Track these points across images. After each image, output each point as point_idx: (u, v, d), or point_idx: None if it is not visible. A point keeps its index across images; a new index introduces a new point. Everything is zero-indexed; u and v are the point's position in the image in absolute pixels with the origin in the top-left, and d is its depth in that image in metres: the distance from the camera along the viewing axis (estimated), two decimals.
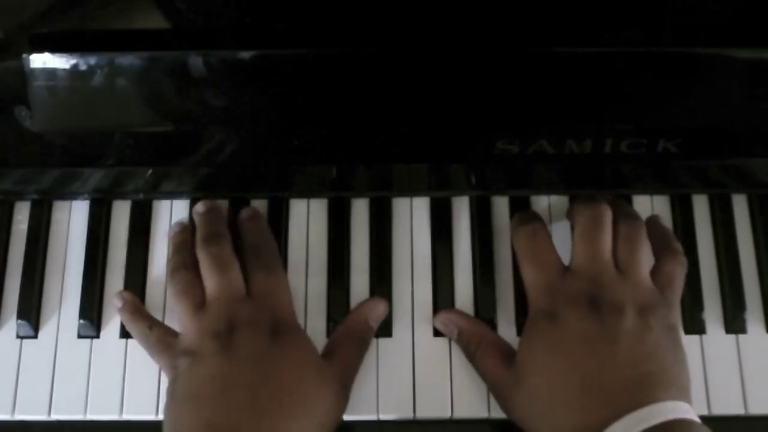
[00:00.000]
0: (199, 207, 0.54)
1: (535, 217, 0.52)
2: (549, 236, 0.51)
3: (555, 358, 0.46)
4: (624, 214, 0.51)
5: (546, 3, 0.45)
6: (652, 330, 0.46)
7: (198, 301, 0.49)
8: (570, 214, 0.54)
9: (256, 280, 0.50)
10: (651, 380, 0.44)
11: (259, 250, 0.52)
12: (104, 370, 0.53)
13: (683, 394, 0.45)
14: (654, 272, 0.50)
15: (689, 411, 0.44)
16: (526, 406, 0.47)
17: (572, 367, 0.46)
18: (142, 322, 0.51)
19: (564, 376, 0.45)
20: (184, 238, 0.53)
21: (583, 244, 0.49)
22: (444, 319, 0.52)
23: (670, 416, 0.43)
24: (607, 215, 0.50)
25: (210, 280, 0.49)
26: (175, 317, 0.51)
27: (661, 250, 0.51)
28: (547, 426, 0.46)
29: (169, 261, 0.53)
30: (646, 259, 0.50)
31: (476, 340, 0.51)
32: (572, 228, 0.54)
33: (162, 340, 0.50)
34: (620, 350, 0.45)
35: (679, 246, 0.52)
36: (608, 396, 0.44)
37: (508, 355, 0.50)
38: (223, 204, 0.55)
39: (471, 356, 0.51)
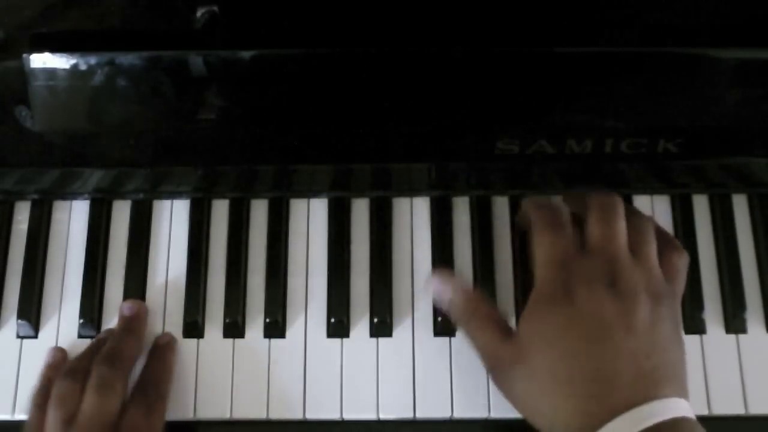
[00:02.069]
0: (125, 309, 0.53)
1: (556, 203, 0.51)
2: (569, 215, 0.50)
3: (566, 340, 0.45)
4: (632, 212, 0.51)
5: (546, 3, 0.45)
6: (663, 321, 0.45)
7: (69, 415, 0.48)
8: (567, 201, 0.53)
9: (130, 414, 0.49)
10: (660, 374, 0.44)
11: (149, 386, 0.51)
12: None
13: (685, 392, 0.45)
14: (661, 263, 0.49)
15: (689, 410, 0.44)
16: (525, 382, 0.46)
17: (584, 350, 0.44)
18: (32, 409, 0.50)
19: (574, 358, 0.44)
20: (103, 339, 0.53)
21: (599, 226, 0.48)
22: (438, 282, 0.51)
23: (677, 414, 0.42)
24: (620, 204, 0.49)
25: (87, 399, 0.48)
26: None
27: (664, 245, 0.50)
28: (547, 405, 0.45)
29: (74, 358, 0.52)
30: (656, 250, 0.49)
31: (472, 307, 0.49)
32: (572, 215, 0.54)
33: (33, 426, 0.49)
34: (634, 340, 0.44)
35: (679, 243, 0.51)
36: (617, 386, 0.43)
37: (504, 326, 0.48)
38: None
39: (465, 323, 0.49)
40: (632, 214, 0.50)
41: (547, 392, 0.45)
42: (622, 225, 0.48)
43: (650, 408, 0.42)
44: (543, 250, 0.48)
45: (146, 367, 0.52)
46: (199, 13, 0.45)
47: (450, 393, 0.52)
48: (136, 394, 0.50)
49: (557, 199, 0.53)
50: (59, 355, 0.53)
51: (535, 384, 0.45)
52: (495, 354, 0.48)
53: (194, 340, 0.53)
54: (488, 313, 0.49)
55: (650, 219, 0.51)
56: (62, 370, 0.51)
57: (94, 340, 0.53)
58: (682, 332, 0.48)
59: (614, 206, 0.49)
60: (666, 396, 0.43)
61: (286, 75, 0.45)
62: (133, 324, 0.53)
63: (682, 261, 0.50)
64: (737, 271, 0.54)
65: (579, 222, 0.50)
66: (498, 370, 0.48)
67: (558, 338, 0.45)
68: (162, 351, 0.53)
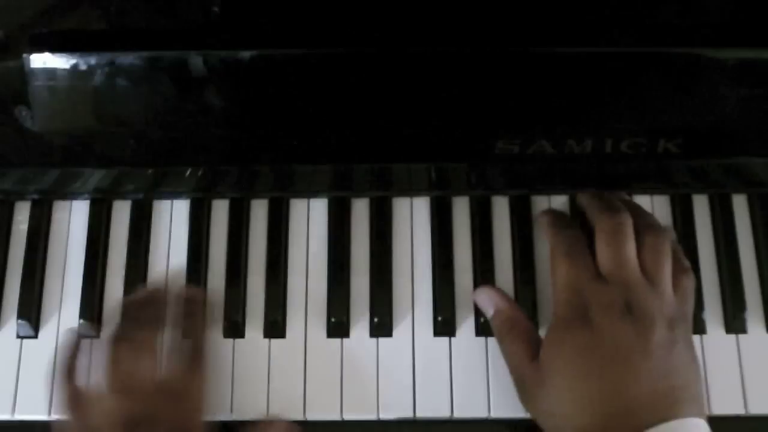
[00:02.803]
0: (185, 292, 0.54)
1: (574, 225, 0.52)
2: (587, 245, 0.51)
3: (584, 361, 0.46)
4: (648, 224, 0.51)
5: (546, 3, 0.45)
6: (678, 344, 0.46)
7: (120, 382, 0.47)
8: (582, 204, 0.54)
9: (174, 373, 0.48)
10: (677, 395, 0.45)
11: (192, 345, 0.51)
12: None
13: (702, 412, 0.46)
14: (672, 285, 0.49)
15: (708, 429, 0.44)
16: (547, 404, 0.47)
17: (602, 373, 0.45)
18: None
19: (592, 382, 0.45)
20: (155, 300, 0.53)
21: (610, 251, 0.49)
22: (484, 295, 0.52)
23: None
24: (629, 224, 0.49)
25: (142, 363, 0.48)
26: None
27: (673, 265, 0.50)
28: (567, 426, 0.46)
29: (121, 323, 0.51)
30: (670, 271, 0.49)
31: (509, 324, 0.50)
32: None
33: (73, 399, 0.48)
34: (651, 362, 0.45)
35: (688, 262, 0.52)
36: (636, 406, 0.44)
37: (536, 347, 0.49)
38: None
39: (501, 339, 0.51)
40: (649, 227, 0.50)
41: (568, 413, 0.46)
42: (630, 248, 0.49)
43: (668, 428, 0.43)
44: (560, 275, 0.50)
45: (180, 317, 0.52)
46: (199, 13, 0.45)
47: (450, 393, 0.52)
48: (175, 349, 0.50)
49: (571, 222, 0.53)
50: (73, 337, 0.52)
51: (556, 405, 0.46)
52: (521, 373, 0.49)
53: None
54: (524, 330, 0.50)
55: (666, 233, 0.51)
56: (110, 336, 0.49)
57: (140, 298, 0.53)
58: (696, 353, 0.48)
59: (621, 229, 0.49)
60: (684, 416, 0.44)
61: (286, 75, 0.45)
62: (192, 307, 0.53)
63: (690, 283, 0.51)
64: (737, 271, 0.54)
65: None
66: (523, 389, 0.49)
67: (577, 360, 0.46)
68: (191, 301, 0.53)
